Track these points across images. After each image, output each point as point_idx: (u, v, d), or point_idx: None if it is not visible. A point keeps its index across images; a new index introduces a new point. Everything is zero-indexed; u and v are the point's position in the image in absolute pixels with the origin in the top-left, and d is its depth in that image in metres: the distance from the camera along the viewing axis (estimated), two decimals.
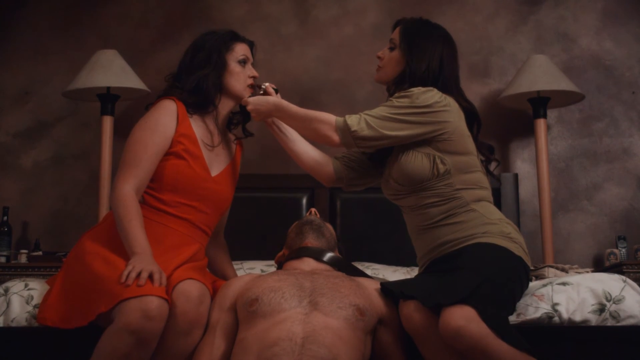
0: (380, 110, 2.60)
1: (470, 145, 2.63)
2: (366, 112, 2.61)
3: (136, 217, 2.50)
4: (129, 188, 2.56)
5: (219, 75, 2.76)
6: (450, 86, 2.67)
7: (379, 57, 2.78)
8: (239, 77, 2.79)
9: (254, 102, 2.74)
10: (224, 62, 2.77)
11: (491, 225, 2.54)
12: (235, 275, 2.89)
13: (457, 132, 2.59)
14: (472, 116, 2.68)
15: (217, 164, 2.77)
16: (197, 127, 2.74)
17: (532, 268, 2.92)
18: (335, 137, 2.61)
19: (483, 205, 2.59)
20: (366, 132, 2.57)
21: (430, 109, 2.56)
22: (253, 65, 2.88)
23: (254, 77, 2.82)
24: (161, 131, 2.65)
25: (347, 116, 2.61)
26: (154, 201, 2.66)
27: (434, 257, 2.58)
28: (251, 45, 2.89)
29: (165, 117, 2.68)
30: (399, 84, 2.70)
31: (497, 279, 2.39)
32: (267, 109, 2.73)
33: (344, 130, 2.59)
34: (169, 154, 2.66)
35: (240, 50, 2.82)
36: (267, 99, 2.74)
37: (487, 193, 2.64)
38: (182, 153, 2.67)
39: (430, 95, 2.57)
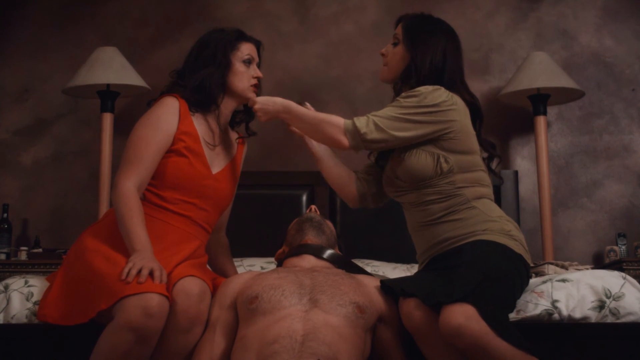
0: (389, 111, 2.58)
1: (475, 144, 2.63)
2: (374, 113, 2.59)
3: (137, 214, 2.51)
4: (131, 185, 2.56)
5: (222, 75, 2.75)
6: (455, 80, 2.66)
7: (382, 55, 2.76)
8: (242, 77, 2.78)
9: (261, 101, 2.69)
10: (228, 62, 2.76)
11: (492, 222, 2.54)
12: (236, 272, 2.89)
13: (463, 131, 2.58)
14: (475, 111, 2.67)
15: (218, 162, 2.77)
16: (198, 125, 2.74)
17: (531, 265, 2.92)
18: (344, 140, 2.58)
19: (484, 202, 2.59)
20: (375, 134, 2.55)
21: (437, 108, 2.54)
22: (259, 65, 2.87)
23: (257, 78, 2.82)
24: (163, 128, 2.65)
25: (355, 118, 2.59)
26: (154, 198, 2.66)
27: (434, 254, 2.58)
28: (258, 45, 2.88)
29: (167, 114, 2.68)
30: (405, 80, 2.68)
31: (497, 277, 2.39)
32: (275, 109, 2.68)
33: (353, 132, 2.57)
34: (171, 151, 2.67)
35: (246, 49, 2.81)
36: (275, 99, 2.69)
37: (488, 190, 2.64)
38: (183, 151, 2.67)
39: (437, 95, 2.56)
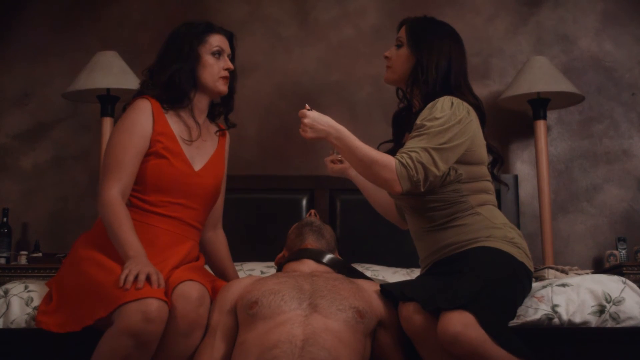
0: (425, 143, 2.46)
1: (485, 154, 2.61)
2: (413, 150, 2.45)
3: (126, 221, 2.50)
4: (115, 192, 2.55)
5: (191, 69, 2.72)
6: (460, 82, 2.64)
7: (386, 57, 2.73)
8: (212, 69, 2.74)
9: (313, 117, 2.50)
10: (196, 55, 2.73)
11: (495, 229, 2.53)
12: (235, 272, 2.88)
13: (476, 143, 2.57)
14: (479, 113, 2.64)
15: (199, 157, 2.75)
16: (173, 123, 2.71)
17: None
18: (398, 187, 2.45)
19: (488, 209, 2.58)
20: (435, 172, 2.45)
21: (462, 125, 2.51)
22: (233, 57, 2.83)
23: (228, 69, 2.78)
24: (139, 132, 2.63)
25: (402, 163, 2.43)
26: (140, 203, 2.64)
27: (436, 259, 2.57)
28: (229, 36, 2.84)
29: (141, 117, 2.66)
30: (414, 82, 2.64)
31: (498, 284, 2.39)
32: (326, 130, 2.50)
33: (406, 178, 2.44)
34: (149, 154, 2.65)
35: (215, 41, 2.77)
36: (329, 119, 2.51)
37: (492, 198, 2.62)
38: (162, 151, 2.65)
39: (458, 111, 2.51)
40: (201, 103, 2.78)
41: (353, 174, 2.84)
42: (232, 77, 2.83)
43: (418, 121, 2.53)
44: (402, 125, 2.77)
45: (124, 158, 2.59)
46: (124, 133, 2.63)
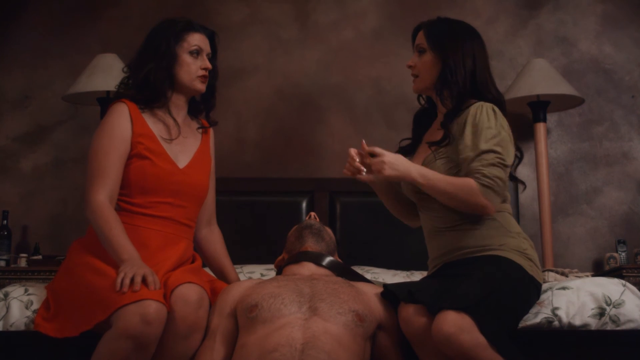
0: (489, 145, 2.50)
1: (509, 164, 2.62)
2: (484, 166, 2.48)
3: (116, 225, 2.49)
4: (102, 198, 2.54)
5: (168, 67, 2.70)
6: (485, 77, 2.65)
7: (410, 67, 2.71)
8: (189, 68, 2.72)
9: (393, 157, 2.49)
10: (173, 54, 2.71)
11: (509, 238, 2.53)
12: (233, 269, 2.87)
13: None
14: (501, 108, 2.64)
15: (183, 155, 2.74)
16: (152, 123, 2.70)
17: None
18: (492, 208, 2.48)
19: (504, 215, 2.57)
20: (505, 177, 2.51)
21: (507, 133, 2.56)
22: (214, 56, 2.82)
23: (206, 69, 2.76)
24: (118, 135, 2.62)
25: (483, 183, 2.46)
26: (128, 206, 2.63)
27: (447, 260, 2.57)
28: (209, 35, 2.82)
29: (119, 120, 2.65)
30: (443, 85, 2.63)
31: (504, 294, 2.38)
32: (408, 169, 2.48)
33: (491, 194, 2.47)
34: (132, 156, 2.64)
35: (193, 40, 2.75)
36: (409, 162, 2.51)
37: (509, 207, 2.62)
38: (144, 152, 2.64)
39: (502, 120, 2.55)
40: (179, 101, 2.77)
41: (374, 183, 2.71)
42: (212, 76, 2.81)
43: (468, 129, 2.52)
44: (424, 125, 2.77)
45: (107, 163, 2.58)
46: (104, 138, 2.62)
